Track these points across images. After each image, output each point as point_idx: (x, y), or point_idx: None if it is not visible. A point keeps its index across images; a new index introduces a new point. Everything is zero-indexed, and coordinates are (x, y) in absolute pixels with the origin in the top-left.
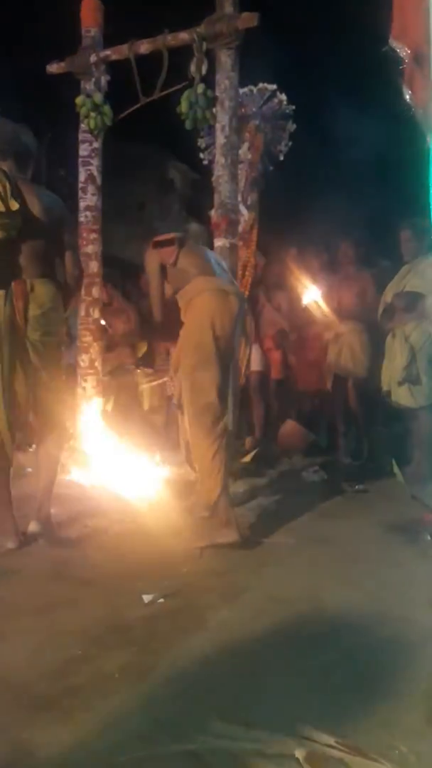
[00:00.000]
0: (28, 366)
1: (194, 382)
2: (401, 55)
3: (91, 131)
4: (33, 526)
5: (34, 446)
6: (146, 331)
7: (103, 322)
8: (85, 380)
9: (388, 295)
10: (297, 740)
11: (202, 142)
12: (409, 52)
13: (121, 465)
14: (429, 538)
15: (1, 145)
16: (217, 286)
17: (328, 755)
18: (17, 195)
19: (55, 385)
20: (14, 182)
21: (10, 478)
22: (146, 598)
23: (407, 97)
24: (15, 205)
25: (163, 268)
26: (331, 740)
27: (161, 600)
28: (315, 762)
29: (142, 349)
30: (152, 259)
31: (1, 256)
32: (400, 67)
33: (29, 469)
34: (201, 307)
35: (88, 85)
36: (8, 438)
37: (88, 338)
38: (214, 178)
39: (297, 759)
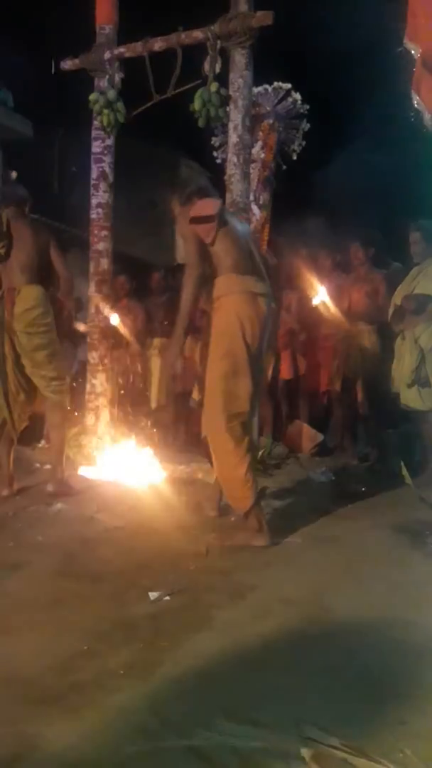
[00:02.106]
0: (13, 352)
1: (226, 390)
2: (415, 56)
3: (104, 128)
4: (49, 487)
5: (42, 442)
6: (152, 330)
7: (116, 321)
8: (94, 377)
9: (397, 298)
10: (302, 740)
11: (215, 141)
12: (418, 56)
13: (129, 461)
14: None
15: (7, 199)
16: (246, 288)
17: (334, 755)
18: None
19: (39, 369)
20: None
21: (12, 445)
22: (152, 595)
23: (415, 102)
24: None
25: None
26: (337, 741)
27: (167, 597)
28: (321, 761)
29: None
30: (188, 226)
31: None
32: (411, 71)
33: (38, 465)
34: (230, 310)
35: (101, 82)
36: (7, 412)
37: (98, 336)
38: (226, 177)
39: (303, 758)
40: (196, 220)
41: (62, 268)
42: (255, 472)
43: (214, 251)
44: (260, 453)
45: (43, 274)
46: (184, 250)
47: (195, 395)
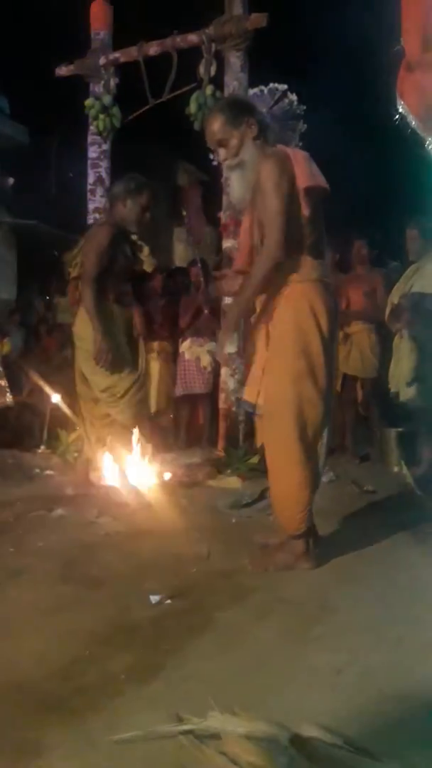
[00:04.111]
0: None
1: (300, 395)
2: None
3: (100, 133)
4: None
5: (42, 447)
6: (152, 333)
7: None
8: None
9: (395, 296)
10: (288, 729)
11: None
12: (403, 57)
13: (130, 466)
14: None
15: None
16: (321, 276)
17: (313, 741)
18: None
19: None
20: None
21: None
22: (154, 598)
23: (399, 105)
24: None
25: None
26: (339, 741)
27: (169, 601)
28: (300, 746)
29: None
30: (280, 172)
31: None
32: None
33: (37, 470)
34: (303, 301)
35: (97, 88)
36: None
37: None
38: (222, 179)
39: (282, 743)
40: (312, 190)
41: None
42: (314, 495)
43: (300, 224)
44: (258, 455)
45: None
46: (262, 203)
47: (251, 398)
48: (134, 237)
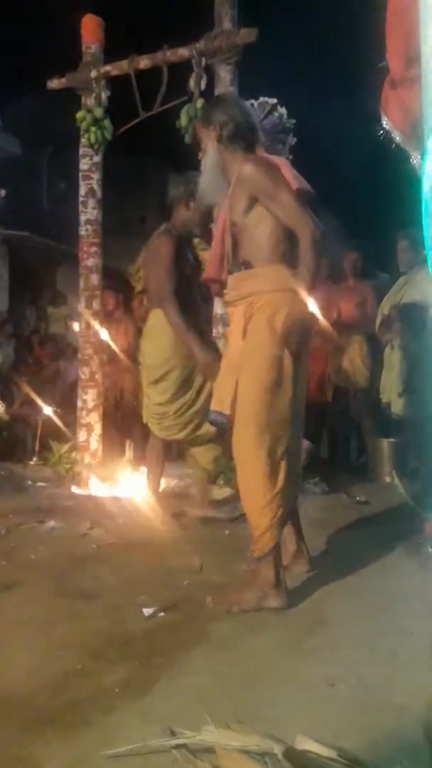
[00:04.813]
0: None
1: (269, 406)
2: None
3: (91, 146)
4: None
5: (35, 459)
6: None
7: (105, 338)
8: (86, 392)
9: (385, 307)
10: (281, 742)
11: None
12: (387, 74)
13: (122, 477)
14: (430, 549)
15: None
16: (292, 285)
17: (306, 754)
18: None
19: None
20: None
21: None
22: (147, 611)
23: (383, 122)
24: None
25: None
26: (334, 754)
27: (162, 613)
28: (293, 758)
29: None
30: (273, 173)
31: None
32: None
33: (29, 482)
34: (276, 311)
35: (88, 101)
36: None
37: (89, 351)
38: None
39: (276, 755)
40: (304, 195)
41: None
42: (284, 511)
43: (275, 230)
44: None
45: None
46: (271, 203)
47: (223, 408)
48: (196, 240)
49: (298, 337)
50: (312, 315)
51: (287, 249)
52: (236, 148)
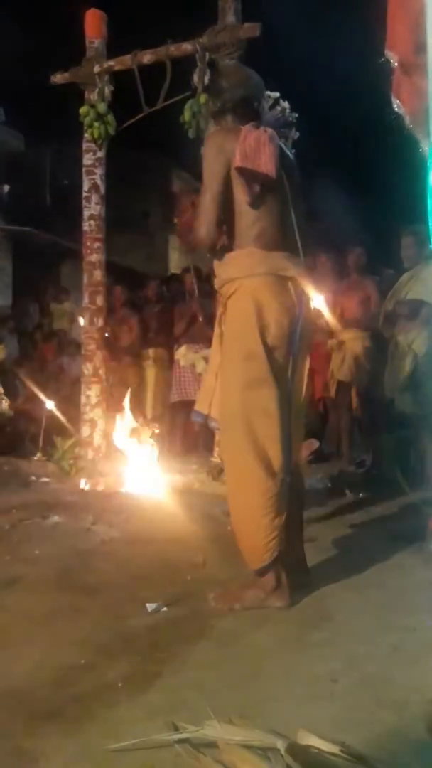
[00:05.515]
0: None
1: (248, 403)
2: (393, 65)
3: (94, 141)
4: None
5: (38, 455)
6: (148, 340)
7: (107, 334)
8: (89, 388)
9: (389, 303)
10: (284, 738)
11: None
12: (396, 64)
13: (125, 473)
14: None
15: None
16: (272, 269)
17: (309, 749)
18: None
19: None
20: None
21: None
22: (150, 606)
23: (395, 107)
24: None
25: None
26: (336, 749)
27: (165, 609)
28: (295, 754)
29: None
30: (216, 150)
31: None
32: (391, 78)
33: (33, 478)
34: (247, 299)
35: (92, 96)
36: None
37: (92, 347)
38: None
39: (279, 750)
40: (245, 173)
41: None
42: (282, 519)
43: (242, 211)
44: None
45: None
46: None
47: (202, 408)
48: None
49: (283, 324)
50: (301, 299)
51: (261, 231)
52: (223, 122)
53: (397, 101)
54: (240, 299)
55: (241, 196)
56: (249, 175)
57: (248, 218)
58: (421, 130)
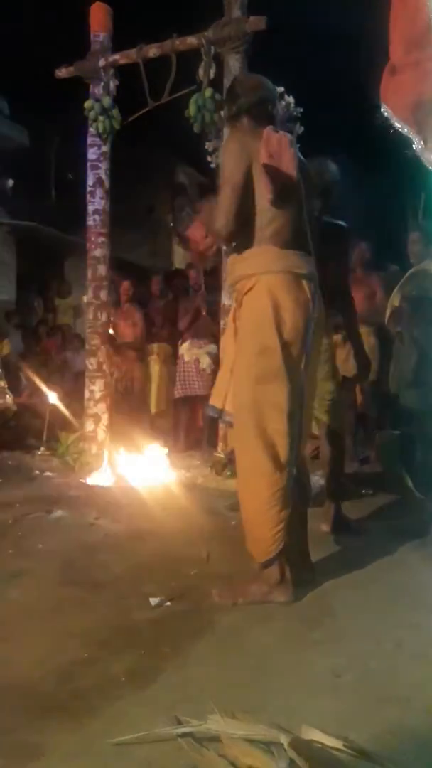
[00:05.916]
0: None
1: (260, 399)
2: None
3: (99, 135)
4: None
5: (42, 449)
6: (152, 335)
7: (111, 331)
8: (93, 383)
9: (395, 299)
10: (287, 732)
11: (208, 146)
12: (388, 66)
13: (130, 467)
14: None
15: None
16: (288, 267)
17: (312, 744)
18: None
19: None
20: None
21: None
22: (153, 601)
23: (383, 108)
24: None
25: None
26: (339, 744)
27: (168, 603)
28: (299, 748)
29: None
30: (239, 146)
31: None
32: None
33: (37, 472)
34: (263, 295)
35: (96, 89)
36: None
37: (96, 341)
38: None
39: (282, 744)
40: (270, 170)
41: None
42: (288, 513)
43: (261, 209)
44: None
45: None
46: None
47: (217, 402)
48: None
49: (298, 321)
50: (315, 297)
51: (278, 230)
52: (239, 126)
53: (385, 103)
54: (257, 295)
55: (262, 193)
56: (273, 174)
57: (266, 216)
58: (411, 129)
